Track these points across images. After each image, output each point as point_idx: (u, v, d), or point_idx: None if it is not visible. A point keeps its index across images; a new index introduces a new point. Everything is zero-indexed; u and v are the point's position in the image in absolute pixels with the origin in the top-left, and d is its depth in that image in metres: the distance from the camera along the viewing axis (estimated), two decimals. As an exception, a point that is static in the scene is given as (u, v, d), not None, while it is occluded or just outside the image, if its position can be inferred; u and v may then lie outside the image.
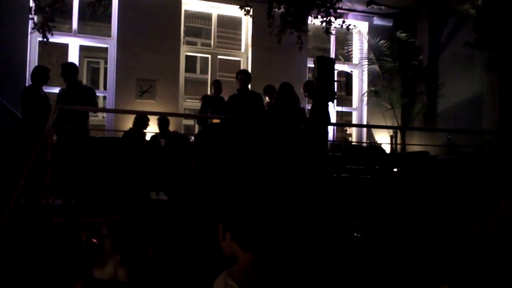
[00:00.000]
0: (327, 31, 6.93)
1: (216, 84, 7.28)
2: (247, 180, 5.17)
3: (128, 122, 7.76)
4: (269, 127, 6.15)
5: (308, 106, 7.90)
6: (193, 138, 8.30)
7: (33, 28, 6.09)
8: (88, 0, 6.18)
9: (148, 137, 7.01)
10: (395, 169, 7.08)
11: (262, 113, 6.58)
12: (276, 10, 6.69)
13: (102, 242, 2.21)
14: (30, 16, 5.93)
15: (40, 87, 6.05)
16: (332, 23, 6.79)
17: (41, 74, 6.03)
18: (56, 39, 6.24)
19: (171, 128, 7.72)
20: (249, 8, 6.61)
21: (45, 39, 5.91)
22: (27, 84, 7.39)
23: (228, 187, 1.82)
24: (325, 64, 6.68)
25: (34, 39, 7.72)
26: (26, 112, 5.97)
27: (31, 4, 6.06)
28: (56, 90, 6.92)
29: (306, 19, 6.79)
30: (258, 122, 6.22)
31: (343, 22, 7.05)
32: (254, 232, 1.67)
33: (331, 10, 6.60)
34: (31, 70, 6.23)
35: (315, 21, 6.94)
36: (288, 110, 6.59)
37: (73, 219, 4.79)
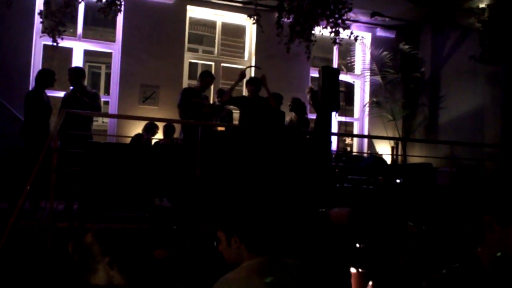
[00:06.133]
0: (335, 42, 6.96)
1: (220, 93, 7.30)
2: (253, 185, 5.16)
3: (131, 128, 7.72)
4: (275, 135, 6.15)
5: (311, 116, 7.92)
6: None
7: (43, 32, 6.05)
8: (96, 5, 6.15)
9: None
10: (398, 180, 7.06)
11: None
12: (285, 19, 6.70)
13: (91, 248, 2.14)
14: (40, 20, 5.88)
15: (43, 91, 5.97)
16: (340, 34, 6.81)
17: (46, 78, 5.94)
18: (61, 43, 6.20)
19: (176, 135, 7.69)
20: (257, 17, 6.60)
21: (54, 43, 5.87)
22: (30, 88, 7.37)
23: (235, 192, 1.82)
24: (330, 74, 6.71)
25: (38, 43, 7.70)
26: (29, 116, 5.90)
27: (41, 8, 6.02)
28: (61, 94, 6.90)
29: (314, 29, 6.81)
30: (266, 130, 6.20)
31: (351, 33, 7.06)
32: (263, 233, 1.66)
33: (340, 21, 6.63)
34: (35, 73, 6.18)
35: (323, 31, 6.95)
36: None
37: (76, 224, 4.77)
